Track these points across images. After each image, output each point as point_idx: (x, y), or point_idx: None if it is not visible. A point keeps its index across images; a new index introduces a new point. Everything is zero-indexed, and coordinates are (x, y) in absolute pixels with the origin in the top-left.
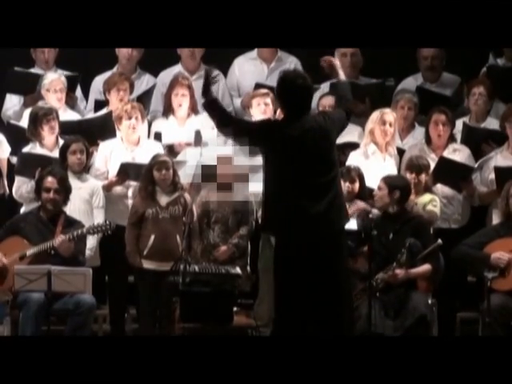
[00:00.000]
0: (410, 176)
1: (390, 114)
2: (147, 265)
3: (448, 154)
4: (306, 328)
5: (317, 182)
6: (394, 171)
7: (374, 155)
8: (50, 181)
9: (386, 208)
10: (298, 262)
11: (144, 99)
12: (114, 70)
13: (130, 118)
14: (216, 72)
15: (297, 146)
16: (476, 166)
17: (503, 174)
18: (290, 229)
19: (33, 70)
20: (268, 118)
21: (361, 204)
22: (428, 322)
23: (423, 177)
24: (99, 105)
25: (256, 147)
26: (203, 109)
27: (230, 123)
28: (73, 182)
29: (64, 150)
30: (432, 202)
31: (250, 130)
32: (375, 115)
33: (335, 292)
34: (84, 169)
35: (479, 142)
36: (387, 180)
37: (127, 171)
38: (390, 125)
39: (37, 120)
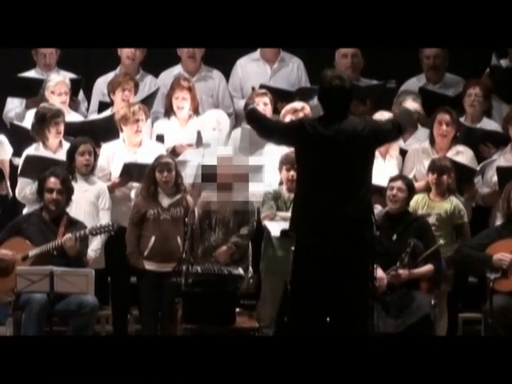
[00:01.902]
0: (431, 177)
1: (383, 114)
2: (148, 266)
3: (451, 155)
4: (321, 329)
5: (345, 184)
6: (395, 172)
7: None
8: (52, 181)
9: (400, 210)
10: (320, 264)
11: (147, 103)
12: (117, 71)
13: (136, 120)
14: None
15: (327, 146)
16: (478, 168)
17: (505, 173)
18: (315, 230)
19: (34, 72)
20: (302, 117)
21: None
22: (432, 321)
23: (445, 178)
24: (103, 106)
25: (290, 146)
26: (246, 120)
27: (269, 129)
28: (80, 184)
29: (72, 152)
30: (460, 212)
31: (284, 131)
32: None
33: (355, 294)
34: (92, 170)
35: (477, 142)
36: (406, 181)
37: (130, 172)
38: None
39: (44, 121)
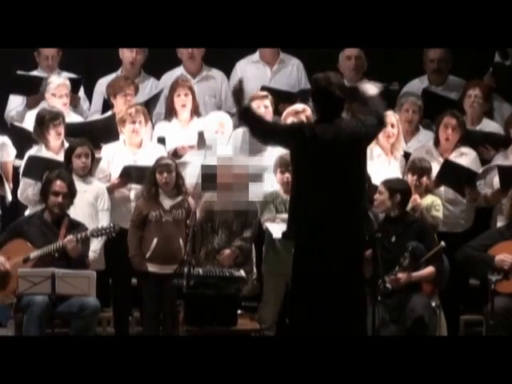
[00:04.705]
0: (411, 178)
1: (391, 116)
2: (150, 268)
3: (455, 157)
4: (319, 331)
5: (345, 187)
6: (398, 174)
7: (379, 158)
8: (59, 184)
9: (388, 212)
10: (318, 267)
11: (151, 104)
12: (118, 73)
13: (133, 122)
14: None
15: (325, 151)
16: (480, 172)
17: (506, 172)
18: (313, 234)
19: (35, 73)
20: (300, 120)
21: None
22: (426, 323)
23: (424, 179)
24: (107, 106)
25: (287, 149)
26: (239, 120)
27: (264, 128)
28: (78, 185)
29: (69, 154)
30: (435, 206)
31: (282, 132)
32: None
33: (353, 297)
34: (89, 172)
35: (476, 145)
36: (387, 184)
37: (129, 174)
38: (392, 126)
39: (43, 124)
